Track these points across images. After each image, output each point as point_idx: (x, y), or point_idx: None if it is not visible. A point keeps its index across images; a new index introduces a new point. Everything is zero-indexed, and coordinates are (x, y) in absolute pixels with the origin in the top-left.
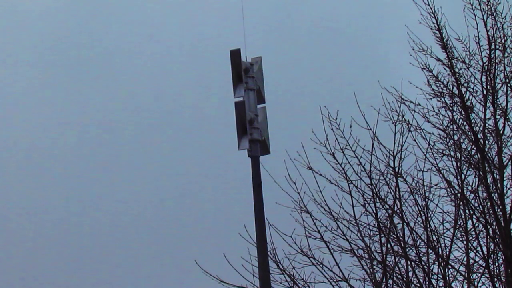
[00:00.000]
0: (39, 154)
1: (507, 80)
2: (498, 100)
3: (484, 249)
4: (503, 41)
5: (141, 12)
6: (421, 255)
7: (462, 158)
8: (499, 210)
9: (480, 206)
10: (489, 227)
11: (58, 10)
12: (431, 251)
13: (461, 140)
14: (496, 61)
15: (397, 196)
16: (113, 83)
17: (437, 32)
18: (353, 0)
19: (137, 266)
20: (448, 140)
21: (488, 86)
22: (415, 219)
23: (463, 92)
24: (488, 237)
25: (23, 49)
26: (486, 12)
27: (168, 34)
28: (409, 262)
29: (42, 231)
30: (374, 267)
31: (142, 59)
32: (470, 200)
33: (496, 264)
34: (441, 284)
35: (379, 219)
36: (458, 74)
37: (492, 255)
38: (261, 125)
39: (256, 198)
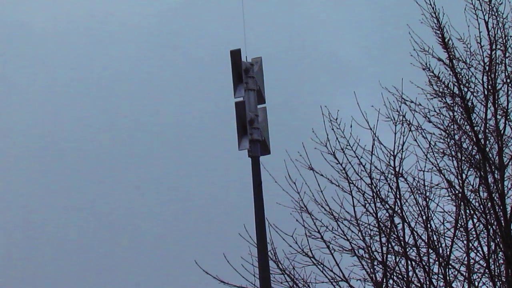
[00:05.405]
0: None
1: (508, 80)
2: (499, 100)
3: (485, 249)
4: (504, 41)
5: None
6: (421, 255)
7: (463, 158)
8: (499, 210)
9: (481, 206)
10: (489, 227)
11: None
12: (431, 251)
13: (462, 140)
14: (497, 61)
15: (398, 196)
16: (116, 81)
17: (438, 32)
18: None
19: (137, 266)
20: (449, 140)
21: (489, 86)
22: (415, 219)
23: (464, 92)
24: (489, 237)
25: None
26: (488, 12)
27: (168, 34)
28: (409, 262)
29: (41, 230)
30: (375, 267)
31: (143, 60)
32: (470, 200)
33: (497, 264)
34: (441, 284)
35: (380, 219)
36: (459, 74)
37: (492, 255)
38: (261, 125)
39: (256, 198)
